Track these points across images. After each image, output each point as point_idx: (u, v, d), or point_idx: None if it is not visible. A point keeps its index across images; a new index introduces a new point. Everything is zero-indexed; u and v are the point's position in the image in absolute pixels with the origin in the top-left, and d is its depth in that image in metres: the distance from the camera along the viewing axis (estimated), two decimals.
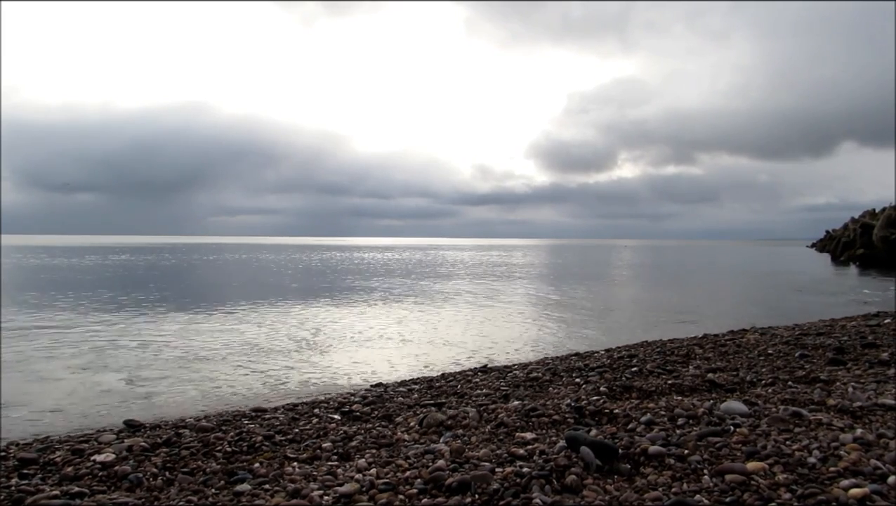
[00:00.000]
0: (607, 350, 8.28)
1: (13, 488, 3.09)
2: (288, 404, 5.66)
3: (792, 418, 3.59)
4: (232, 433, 4.13)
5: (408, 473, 3.01)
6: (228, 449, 3.80)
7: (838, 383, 4.85)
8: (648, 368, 6.16)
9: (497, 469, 2.92)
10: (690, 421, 3.67)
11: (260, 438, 4.00)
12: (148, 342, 9.91)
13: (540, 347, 9.76)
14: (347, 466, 3.30)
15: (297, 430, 4.29)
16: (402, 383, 6.66)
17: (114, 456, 3.60)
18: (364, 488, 2.82)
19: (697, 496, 2.54)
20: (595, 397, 4.71)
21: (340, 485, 2.88)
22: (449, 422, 4.24)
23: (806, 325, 10.04)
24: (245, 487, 2.99)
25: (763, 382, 5.17)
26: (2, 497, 2.96)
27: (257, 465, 3.46)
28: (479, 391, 5.62)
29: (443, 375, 7.15)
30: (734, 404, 3.93)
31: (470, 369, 7.48)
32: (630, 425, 3.70)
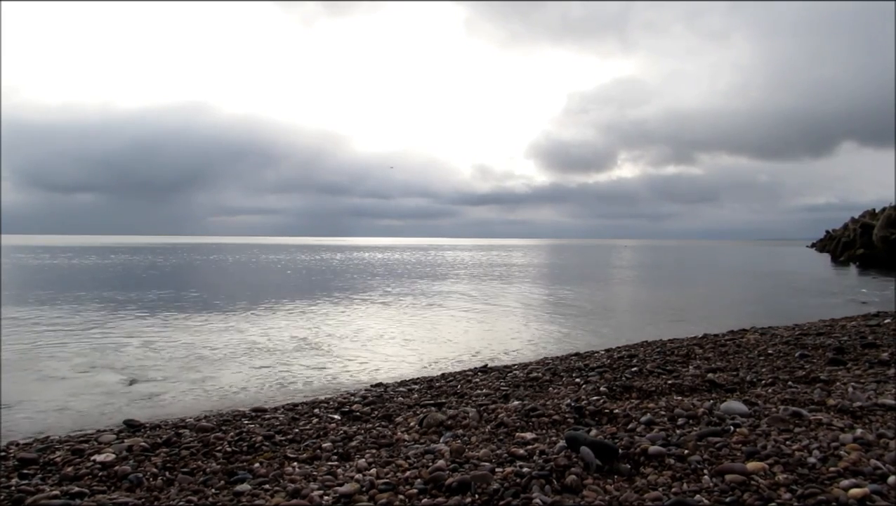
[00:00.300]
0: (607, 350, 8.28)
1: (13, 488, 3.09)
2: (288, 404, 5.66)
3: (792, 418, 3.59)
4: (232, 433, 4.13)
5: (408, 473, 3.01)
6: (228, 449, 3.80)
7: (838, 383, 4.85)
8: (648, 368, 6.16)
9: (497, 469, 2.92)
10: (690, 421, 3.67)
11: (260, 438, 4.00)
12: (148, 342, 9.91)
13: (540, 347, 9.75)
14: (347, 466, 3.30)
15: (297, 430, 4.29)
16: (402, 383, 6.66)
17: (114, 456, 3.60)
18: (364, 488, 2.82)
19: (697, 496, 2.54)
20: (595, 397, 4.71)
21: (340, 485, 2.88)
22: (449, 422, 4.24)
23: (806, 325, 10.04)
24: (245, 487, 2.99)
25: (763, 382, 5.17)
26: (2, 497, 2.96)
27: (257, 465, 3.46)
28: (479, 391, 5.62)
29: (443, 375, 7.15)
30: (734, 404, 3.93)
31: (470, 369, 7.48)
32: (630, 425, 3.70)
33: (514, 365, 7.44)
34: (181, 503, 2.85)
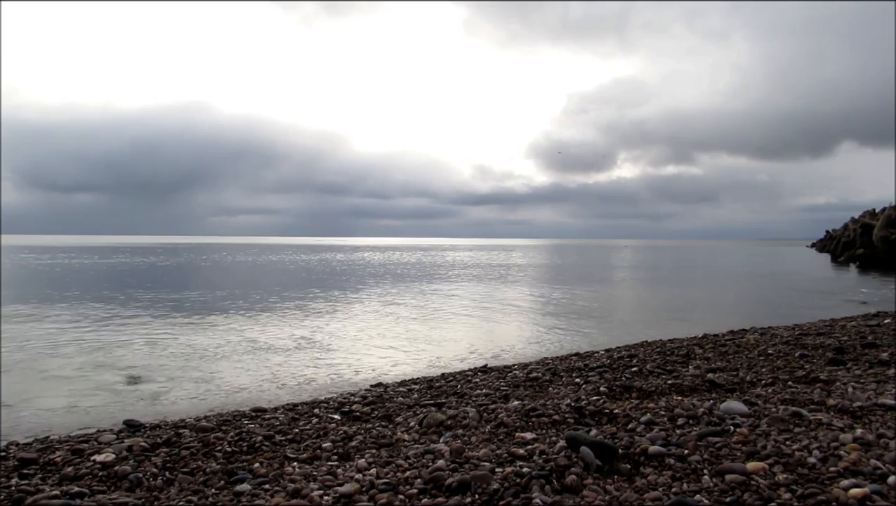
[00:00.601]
0: (607, 350, 8.28)
1: (13, 488, 3.09)
2: (288, 404, 5.66)
3: (792, 418, 3.59)
4: (232, 433, 4.13)
5: (408, 473, 3.01)
6: (228, 449, 3.80)
7: (838, 383, 4.85)
8: (648, 369, 6.16)
9: (497, 469, 2.92)
10: (690, 421, 3.67)
11: (260, 438, 4.00)
12: (149, 342, 9.91)
13: (540, 347, 9.75)
14: (347, 466, 3.30)
15: (297, 430, 4.29)
16: (402, 383, 6.66)
17: (114, 456, 3.59)
18: (364, 488, 2.82)
19: (697, 496, 2.54)
20: (595, 397, 4.71)
21: (340, 485, 2.88)
22: (449, 422, 4.24)
23: (806, 325, 10.04)
24: (245, 487, 2.99)
25: (763, 382, 5.17)
26: (2, 497, 2.96)
27: (257, 465, 3.46)
28: (479, 391, 5.62)
29: (443, 375, 7.15)
30: (734, 404, 3.93)
31: (470, 369, 7.48)
32: (630, 425, 3.70)
33: (514, 365, 7.44)
34: (181, 503, 2.85)
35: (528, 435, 3.68)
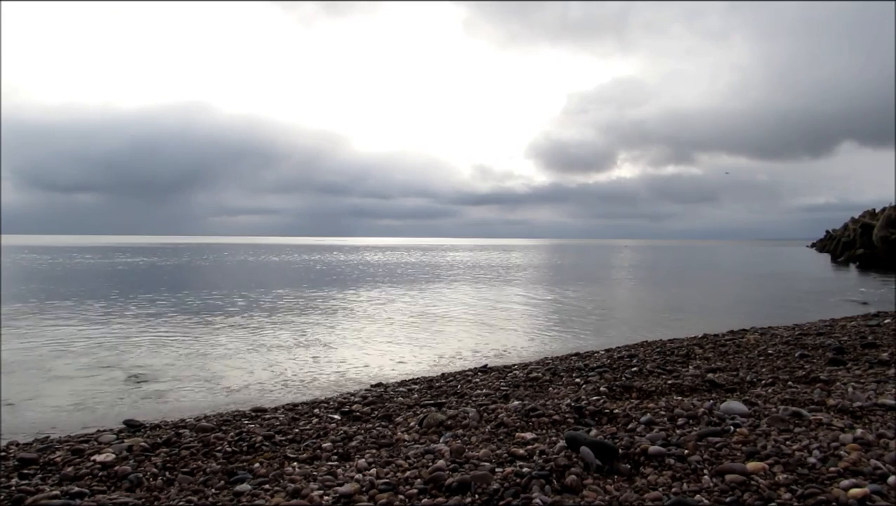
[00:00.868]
0: (607, 350, 8.28)
1: (13, 488, 3.09)
2: (288, 404, 5.66)
3: (792, 418, 3.59)
4: (232, 433, 4.13)
5: (408, 473, 3.01)
6: (228, 449, 3.79)
7: (838, 383, 4.85)
8: (648, 369, 6.16)
9: (497, 469, 2.92)
10: (690, 421, 3.67)
11: (260, 438, 4.00)
12: (148, 342, 9.91)
13: (540, 347, 9.76)
14: (347, 466, 3.30)
15: (297, 430, 4.29)
16: (402, 383, 6.66)
17: (114, 456, 3.59)
18: (364, 488, 2.82)
19: (697, 496, 2.54)
20: (595, 397, 4.71)
21: (340, 485, 2.88)
22: (449, 422, 4.24)
23: (806, 325, 10.04)
24: (245, 487, 2.99)
25: (763, 382, 5.17)
26: (2, 497, 2.96)
27: (257, 465, 3.46)
28: (479, 391, 5.62)
29: (443, 375, 7.15)
30: (734, 404, 3.93)
31: (470, 369, 7.47)
32: (630, 425, 3.70)
33: (514, 365, 7.44)
34: (181, 503, 2.85)
35: (528, 435, 3.68)
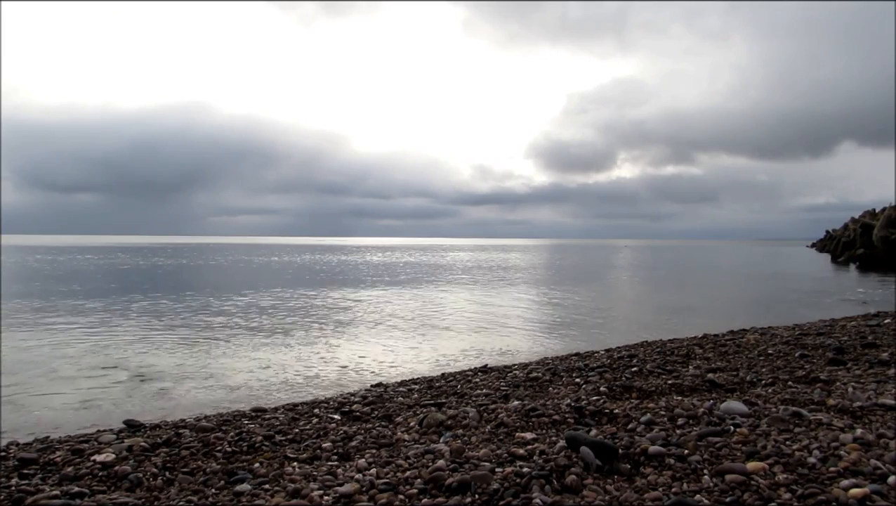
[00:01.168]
0: (607, 350, 8.28)
1: (13, 488, 3.09)
2: (288, 404, 5.66)
3: (792, 418, 3.59)
4: (232, 433, 4.13)
5: (408, 473, 3.01)
6: (228, 449, 3.79)
7: (838, 383, 4.85)
8: (648, 369, 6.16)
9: (497, 469, 2.91)
10: (690, 421, 3.67)
11: (260, 438, 4.00)
12: (148, 342, 9.91)
13: (540, 348, 9.76)
14: (347, 466, 3.30)
15: (297, 430, 4.28)
16: (402, 383, 6.66)
17: (114, 456, 3.59)
18: (364, 488, 2.82)
19: (697, 496, 2.54)
20: (595, 397, 4.71)
21: (340, 485, 2.88)
22: (449, 422, 4.24)
23: (806, 325, 10.04)
24: (245, 487, 2.99)
25: (763, 382, 5.17)
26: (2, 497, 2.96)
27: (257, 465, 3.46)
28: (479, 391, 5.62)
29: (443, 375, 7.15)
30: (734, 404, 3.93)
31: (470, 369, 7.47)
32: (630, 425, 3.70)
33: (514, 365, 7.44)
34: (181, 503, 2.85)
35: (528, 435, 3.68)
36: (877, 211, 42.62)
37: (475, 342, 10.24)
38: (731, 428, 3.39)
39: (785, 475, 2.66)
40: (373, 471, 3.08)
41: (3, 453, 3.85)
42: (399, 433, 4.06)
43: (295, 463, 3.47)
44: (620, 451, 3.06)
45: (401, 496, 2.73)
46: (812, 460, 2.81)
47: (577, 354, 8.10)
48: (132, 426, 4.70)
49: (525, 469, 2.87)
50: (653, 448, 3.07)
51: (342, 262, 43.34)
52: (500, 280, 25.81)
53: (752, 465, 2.78)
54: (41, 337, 10.33)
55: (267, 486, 2.98)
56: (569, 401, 4.52)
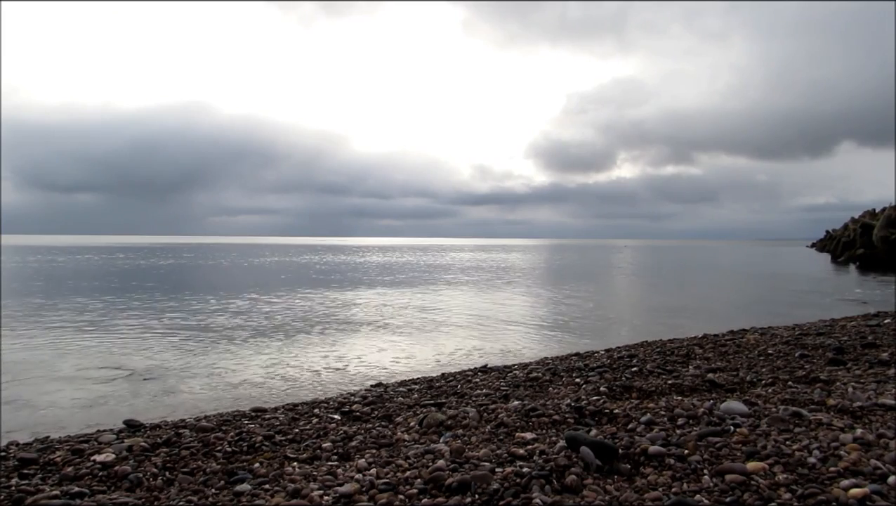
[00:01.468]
0: (607, 350, 8.28)
1: (13, 488, 3.09)
2: (288, 404, 5.66)
3: (792, 418, 3.59)
4: (232, 433, 4.13)
5: (408, 473, 3.01)
6: (228, 449, 3.79)
7: (838, 383, 4.85)
8: (648, 369, 6.16)
9: (497, 469, 2.92)
10: (690, 421, 3.67)
11: (260, 438, 4.00)
12: (148, 342, 9.91)
13: (540, 348, 9.75)
14: (347, 466, 3.30)
15: (297, 430, 4.29)
16: (402, 383, 6.66)
17: (114, 456, 3.59)
18: (364, 488, 2.82)
19: (697, 496, 2.54)
20: (595, 397, 4.71)
21: (340, 485, 2.88)
22: (449, 422, 4.24)
23: (806, 325, 10.04)
24: (245, 487, 2.99)
25: (763, 382, 5.17)
26: (2, 497, 2.96)
27: (257, 465, 3.46)
28: (479, 391, 5.62)
29: (443, 375, 7.15)
30: (734, 404, 3.93)
31: (470, 369, 7.47)
32: (630, 425, 3.70)
33: (514, 365, 7.44)
34: (181, 503, 2.85)
35: (528, 435, 3.68)
36: (877, 211, 42.64)
37: (475, 342, 10.24)
38: (731, 428, 3.39)
39: (785, 475, 2.66)
40: (373, 471, 3.09)
41: (3, 453, 3.85)
42: (399, 433, 4.06)
43: (295, 463, 3.47)
44: (620, 451, 3.06)
45: (401, 496, 2.73)
46: (812, 460, 2.81)
47: (577, 354, 8.10)
48: (132, 426, 4.70)
49: (525, 469, 2.87)
50: (653, 448, 3.07)
51: (342, 262, 43.35)
52: (499, 280, 25.81)
53: (752, 465, 2.78)
54: (41, 337, 10.33)
55: (267, 486, 2.99)
56: (569, 401, 4.52)
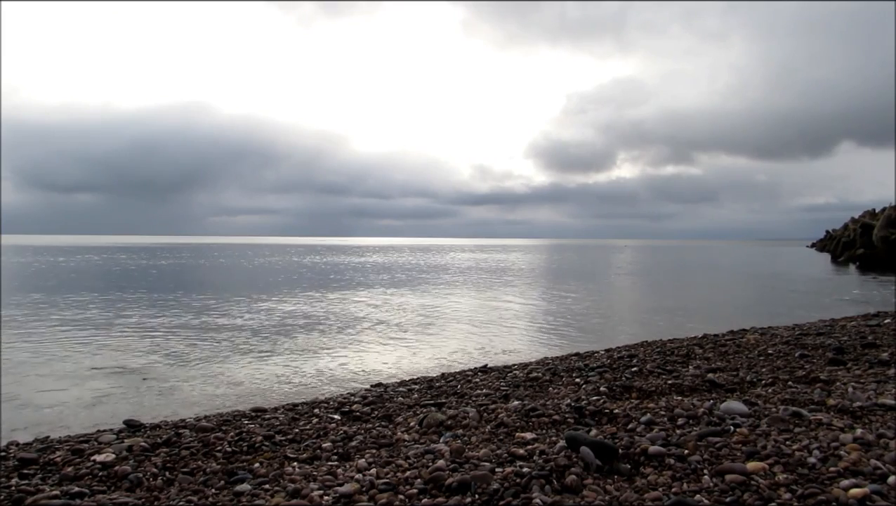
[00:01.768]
0: (607, 350, 8.28)
1: (13, 488, 3.09)
2: (288, 404, 5.66)
3: (792, 418, 3.59)
4: (232, 433, 4.13)
5: (408, 473, 3.01)
6: (228, 449, 3.79)
7: (838, 383, 4.85)
8: (648, 369, 6.16)
9: (497, 469, 2.92)
10: (690, 421, 3.67)
11: (260, 438, 4.00)
12: (148, 342, 9.91)
13: (540, 347, 9.75)
14: (347, 466, 3.30)
15: (297, 430, 4.29)
16: (402, 383, 6.66)
17: (114, 456, 3.59)
18: (364, 488, 2.82)
19: (697, 496, 2.54)
20: (595, 397, 4.71)
21: (340, 485, 2.88)
22: (449, 422, 4.24)
23: (806, 325, 10.04)
24: (245, 487, 2.99)
25: (763, 382, 5.17)
26: (2, 497, 2.96)
27: (257, 465, 3.46)
28: (479, 391, 5.62)
29: (443, 375, 7.15)
30: (734, 404, 3.93)
31: (470, 369, 7.47)
32: (630, 425, 3.70)
33: (514, 365, 7.44)
34: (181, 503, 2.85)
35: (528, 435, 3.68)
36: (877, 211, 42.64)
37: (475, 342, 10.24)
38: (731, 428, 3.39)
39: (785, 475, 2.66)
40: (373, 471, 3.09)
41: (3, 453, 3.85)
42: (399, 433, 4.06)
43: (295, 463, 3.47)
44: (620, 451, 3.06)
45: (401, 496, 2.73)
46: (812, 460, 2.81)
47: (577, 355, 8.10)
48: (132, 426, 4.70)
49: (525, 469, 2.87)
50: (653, 448, 3.07)
51: (342, 262, 43.35)
52: (499, 280, 25.81)
53: (752, 465, 2.78)
54: (41, 337, 10.33)
55: (267, 486, 2.99)
56: (569, 401, 4.52)
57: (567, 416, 4.11)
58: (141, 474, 3.27)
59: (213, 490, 3.03)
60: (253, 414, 5.10)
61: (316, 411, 5.08)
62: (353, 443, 3.83)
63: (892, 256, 34.85)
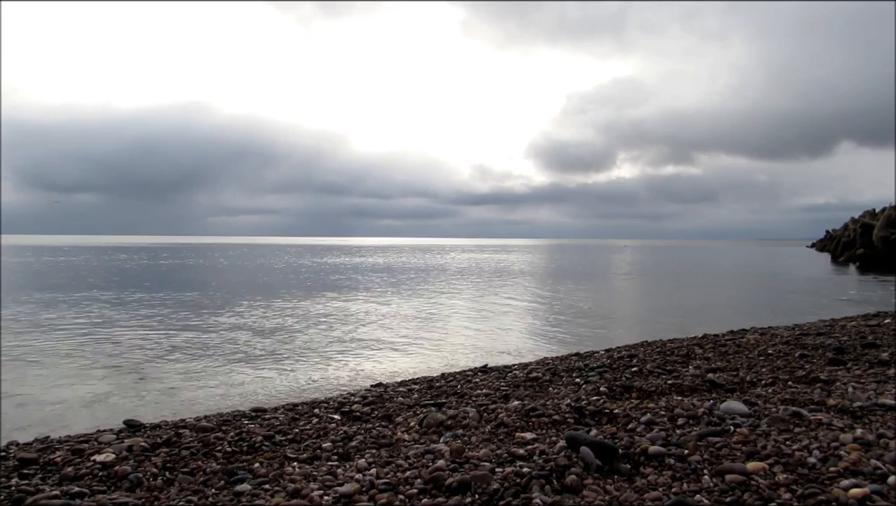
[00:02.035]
0: (607, 350, 8.28)
1: (13, 488, 3.09)
2: (288, 404, 5.66)
3: (792, 418, 3.59)
4: (232, 433, 4.13)
5: (408, 473, 3.01)
6: (228, 449, 3.79)
7: (838, 383, 4.85)
8: (648, 368, 6.16)
9: (497, 469, 2.92)
10: (690, 421, 3.67)
11: (260, 438, 4.00)
12: (149, 341, 9.91)
13: (540, 347, 9.75)
14: (347, 466, 3.30)
15: (297, 430, 4.29)
16: (402, 383, 6.66)
17: (114, 456, 3.59)
18: (364, 488, 2.82)
19: (697, 496, 2.54)
20: (595, 397, 4.71)
21: (340, 485, 2.88)
22: (449, 422, 4.24)
23: (806, 325, 10.04)
24: (245, 487, 2.99)
25: (763, 382, 5.17)
26: (2, 497, 2.96)
27: (257, 465, 3.46)
28: (479, 391, 5.62)
29: (443, 375, 7.15)
30: (734, 404, 3.93)
31: (470, 369, 7.47)
32: (630, 425, 3.70)
33: (514, 365, 7.44)
34: (181, 503, 2.85)
35: (528, 435, 3.68)
36: (877, 211, 42.65)
37: (475, 342, 10.24)
38: (731, 428, 3.40)
39: (785, 475, 2.66)
40: (373, 471, 3.09)
41: (3, 453, 3.85)
42: (399, 433, 4.06)
43: (295, 463, 3.47)
44: (620, 451, 3.06)
45: (401, 496, 2.73)
46: (812, 460, 2.81)
47: (577, 355, 8.10)
48: (132, 426, 4.70)
49: (525, 469, 2.87)
50: (653, 448, 3.07)
51: (342, 262, 43.35)
52: (499, 280, 25.81)
53: (752, 465, 2.78)
54: (41, 336, 10.33)
55: (267, 486, 2.99)
56: (569, 401, 4.52)
57: (567, 416, 4.11)
58: (141, 474, 3.27)
59: (213, 490, 3.03)
60: (253, 414, 5.10)
61: (316, 410, 5.08)
62: (353, 443, 3.83)
63: (892, 256, 34.85)
